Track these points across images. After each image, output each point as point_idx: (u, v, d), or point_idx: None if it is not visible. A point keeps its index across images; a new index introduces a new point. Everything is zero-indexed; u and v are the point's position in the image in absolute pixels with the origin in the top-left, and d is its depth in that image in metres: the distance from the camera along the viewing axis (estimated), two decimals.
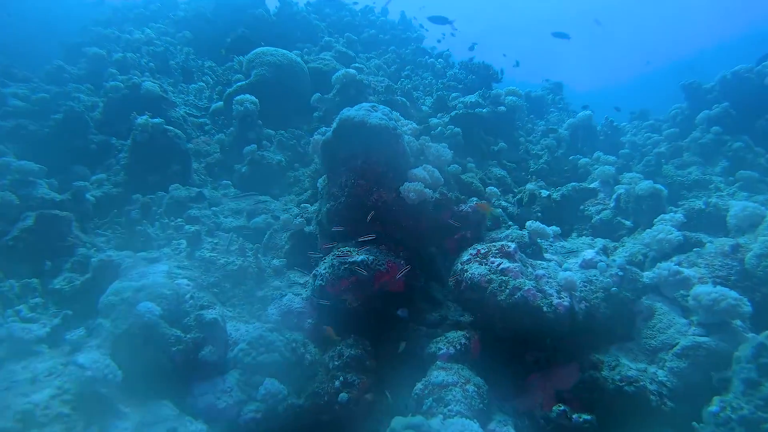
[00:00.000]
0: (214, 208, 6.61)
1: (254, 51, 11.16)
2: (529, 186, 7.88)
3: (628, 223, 7.02)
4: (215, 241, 5.33)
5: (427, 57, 16.74)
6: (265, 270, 5.36)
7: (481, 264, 4.30)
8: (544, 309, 3.91)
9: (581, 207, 7.45)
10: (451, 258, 4.77)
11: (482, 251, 4.41)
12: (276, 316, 4.76)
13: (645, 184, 6.59)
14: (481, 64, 14.48)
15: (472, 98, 10.29)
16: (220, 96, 13.10)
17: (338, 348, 4.33)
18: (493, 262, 4.25)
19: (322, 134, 5.96)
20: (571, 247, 6.21)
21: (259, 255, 5.38)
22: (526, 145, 10.29)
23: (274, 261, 5.42)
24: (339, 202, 4.90)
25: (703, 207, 6.38)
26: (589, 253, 5.56)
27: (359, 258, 4.45)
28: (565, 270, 4.41)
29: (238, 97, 9.30)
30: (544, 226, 5.40)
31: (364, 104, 5.04)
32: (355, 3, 21.55)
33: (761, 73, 11.13)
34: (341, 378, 4.11)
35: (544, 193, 7.61)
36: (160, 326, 3.80)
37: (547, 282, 4.08)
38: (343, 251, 4.58)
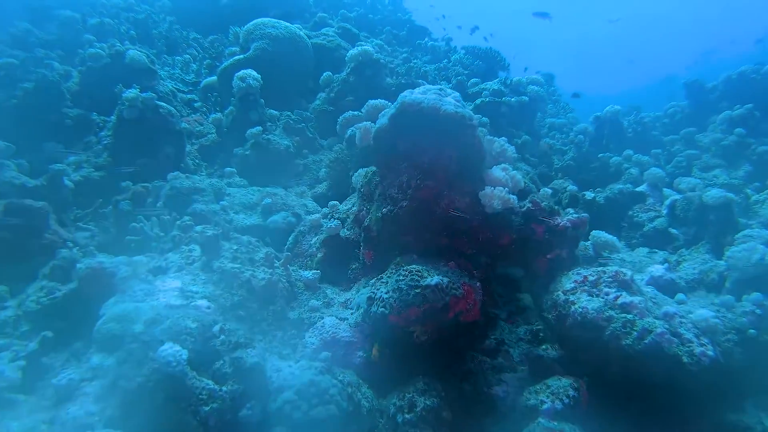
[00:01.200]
0: (222, 202, 5.51)
1: (254, 22, 9.93)
2: (570, 187, 7.01)
3: (680, 233, 6.25)
4: (235, 248, 4.27)
5: (427, 40, 15.62)
6: (295, 284, 4.33)
7: (591, 295, 3.38)
8: (684, 359, 3.04)
9: (629, 213, 6.62)
10: (540, 282, 3.85)
11: (590, 278, 3.50)
12: (317, 345, 3.76)
13: (715, 193, 5.77)
14: (488, 49, 13.56)
15: (494, 85, 9.35)
16: (210, 70, 11.84)
17: (407, 395, 3.36)
18: (608, 294, 3.35)
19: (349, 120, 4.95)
20: (632, 261, 5.37)
21: (288, 266, 4.34)
22: (548, 141, 9.43)
23: (306, 273, 4.39)
24: (400, 207, 3.90)
25: None
26: (657, 270, 4.73)
27: (433, 281, 3.48)
28: (694, 307, 3.54)
29: (239, 73, 8.12)
30: (613, 237, 4.53)
31: (429, 87, 4.03)
32: None
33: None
34: None
35: (589, 195, 6.75)
36: (187, 377, 2.76)
37: (681, 323, 3.20)
38: (410, 269, 3.59)
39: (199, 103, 10.35)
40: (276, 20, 10.03)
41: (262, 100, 8.37)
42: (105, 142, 7.65)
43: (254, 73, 8.21)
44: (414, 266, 3.63)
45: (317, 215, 4.96)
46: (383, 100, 5.73)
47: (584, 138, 8.93)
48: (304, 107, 9.67)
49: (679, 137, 10.39)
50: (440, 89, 4.02)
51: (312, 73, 10.06)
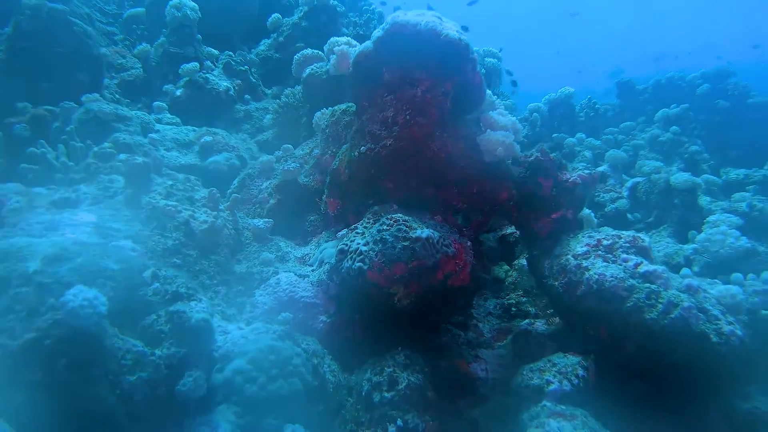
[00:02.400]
0: (151, 135, 4.52)
1: None
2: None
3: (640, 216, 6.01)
4: (169, 183, 3.39)
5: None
6: (242, 233, 3.52)
7: (607, 261, 2.85)
8: (713, 338, 2.58)
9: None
10: (540, 245, 3.27)
11: (605, 242, 2.96)
12: (270, 306, 3.01)
13: (683, 177, 5.53)
14: None
15: None
16: (135, 2, 10.41)
17: (387, 370, 2.69)
18: (626, 261, 2.83)
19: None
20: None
21: (235, 211, 3.52)
22: None
23: (255, 221, 3.58)
24: (383, 146, 3.18)
25: (747, 210, 5.46)
26: None
27: (424, 233, 2.81)
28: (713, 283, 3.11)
29: (174, 1, 6.99)
30: (590, 212, 4.10)
31: (424, 11, 3.32)
32: None
33: (693, 84, 10.88)
34: (399, 422, 2.51)
35: None
36: (106, 335, 1.93)
37: (706, 298, 2.75)
38: (395, 218, 2.91)
39: (120, 36, 9.00)
40: None
41: (200, 36, 7.29)
42: None
43: (192, 2, 7.11)
44: (397, 216, 2.94)
45: (270, 156, 4.13)
46: (349, 38, 4.95)
47: (538, 117, 8.58)
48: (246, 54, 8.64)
49: (618, 130, 10.36)
50: (436, 14, 3.32)
51: (256, 17, 9.00)
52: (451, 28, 3.13)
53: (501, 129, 3.23)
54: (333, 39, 4.88)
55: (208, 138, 4.58)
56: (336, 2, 7.59)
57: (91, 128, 4.35)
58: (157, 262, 2.80)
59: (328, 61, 5.11)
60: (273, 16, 7.75)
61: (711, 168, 8.90)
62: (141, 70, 7.51)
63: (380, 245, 2.81)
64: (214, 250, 3.21)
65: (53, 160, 4.03)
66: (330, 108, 4.21)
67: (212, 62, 7.02)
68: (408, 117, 3.15)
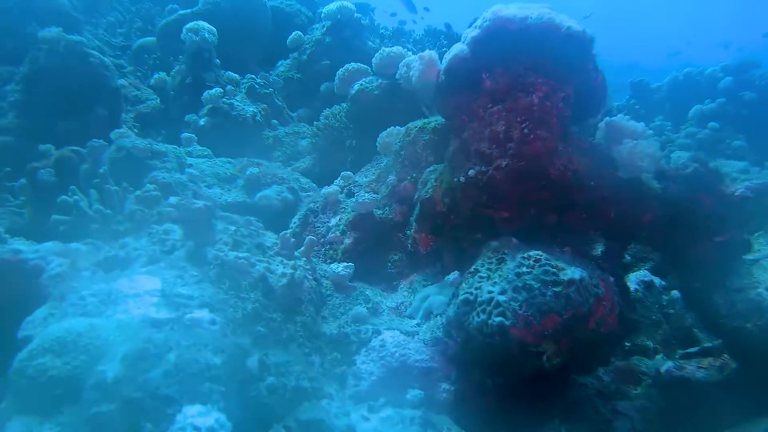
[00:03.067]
0: (189, 171, 3.93)
1: None
2: None
3: None
4: (232, 229, 2.79)
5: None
6: (322, 283, 2.91)
7: None
8: None
9: None
10: (702, 275, 2.67)
11: None
12: (378, 376, 2.40)
13: None
14: (449, 31, 12.56)
15: None
16: (143, 33, 9.89)
17: None
18: None
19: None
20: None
21: (312, 257, 2.92)
22: None
23: (334, 267, 2.98)
24: (497, 168, 2.59)
25: None
26: None
27: (576, 274, 2.22)
28: None
29: (190, 24, 6.46)
30: None
31: (524, 2, 2.76)
32: None
33: (713, 78, 10.38)
34: None
35: None
36: None
37: None
38: (534, 257, 2.31)
39: (130, 68, 8.45)
40: None
41: (218, 60, 6.75)
42: (12, 98, 5.72)
43: (208, 25, 6.58)
44: (535, 253, 2.34)
45: (334, 187, 3.53)
46: (401, 48, 4.40)
47: None
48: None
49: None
50: (545, 5, 2.76)
51: (270, 37, 8.48)
52: (569, 20, 2.57)
53: (631, 136, 2.64)
54: (388, 50, 4.33)
55: (254, 170, 3.99)
56: (360, 15, 7.06)
57: (125, 168, 3.76)
58: (236, 332, 2.20)
59: (377, 74, 4.56)
60: (294, 34, 7.21)
61: (756, 163, 8.39)
62: (158, 101, 6.97)
63: (524, 293, 2.20)
64: (297, 308, 2.60)
65: (87, 209, 3.44)
66: (396, 127, 3.64)
67: (234, 87, 6.46)
68: (525, 130, 2.56)
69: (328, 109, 5.27)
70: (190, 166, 4.18)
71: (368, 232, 3.29)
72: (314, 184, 4.58)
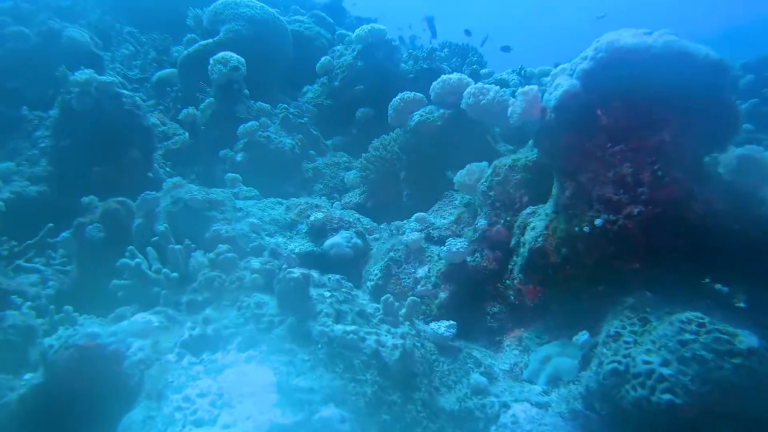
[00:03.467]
0: (251, 221, 3.65)
1: (221, 1, 7.97)
2: None
3: None
4: (327, 295, 2.50)
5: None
6: (426, 347, 2.62)
7: None
8: None
9: None
10: None
11: None
12: None
13: None
14: (465, 45, 12.37)
15: (508, 76, 7.99)
16: (159, 65, 9.70)
17: None
18: None
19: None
20: None
21: (414, 319, 2.63)
22: None
23: (435, 327, 2.68)
24: (628, 216, 2.31)
25: None
26: None
27: (753, 340, 1.92)
28: None
29: (218, 55, 6.21)
30: None
31: (632, 29, 2.49)
32: None
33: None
34: None
35: None
36: None
37: None
38: (696, 320, 2.01)
39: (151, 101, 8.22)
40: None
41: (247, 90, 6.49)
42: (43, 144, 5.52)
43: (237, 55, 6.34)
44: (694, 315, 2.05)
45: (415, 235, 3.24)
46: (461, 75, 4.14)
47: None
48: (287, 103, 7.86)
49: None
50: (646, 31, 2.49)
51: (292, 62, 8.25)
52: (702, 47, 2.29)
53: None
54: (447, 77, 4.07)
55: (318, 216, 3.70)
56: (391, 36, 6.81)
57: (183, 221, 3.48)
58: (369, 428, 1.91)
59: (435, 103, 4.30)
60: (323, 59, 6.98)
61: None
62: (186, 135, 6.71)
63: (695, 366, 1.91)
64: (413, 383, 2.31)
65: (149, 272, 3.16)
66: (477, 163, 3.36)
67: (267, 118, 6.20)
68: (658, 173, 2.28)
69: (376, 140, 5.00)
70: (248, 213, 3.90)
71: (463, 283, 3.00)
72: (374, 223, 4.30)
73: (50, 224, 4.23)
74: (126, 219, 3.93)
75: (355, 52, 6.73)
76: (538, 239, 2.66)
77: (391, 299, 2.50)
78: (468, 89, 3.85)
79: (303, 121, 6.16)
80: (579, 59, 2.53)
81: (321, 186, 5.67)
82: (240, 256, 2.86)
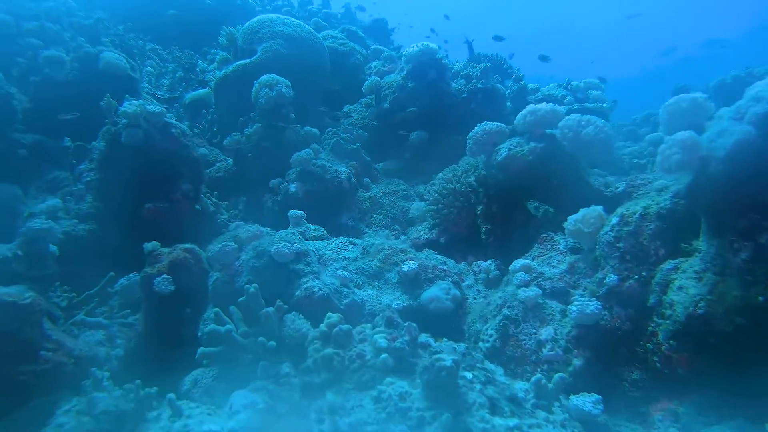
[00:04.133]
0: (341, 273, 3.34)
1: (257, 19, 7.70)
2: None
3: None
4: (469, 377, 2.18)
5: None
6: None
7: None
8: None
9: None
10: None
11: None
12: None
13: None
14: (495, 56, 12.10)
15: (554, 90, 7.69)
16: (187, 83, 9.46)
17: None
18: None
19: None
20: None
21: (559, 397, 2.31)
22: None
23: (579, 403, 2.36)
24: None
25: None
26: None
27: None
28: None
29: (264, 78, 5.93)
30: None
31: None
32: None
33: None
34: None
35: None
36: None
37: None
38: None
39: (184, 124, 7.95)
40: (285, 17, 7.86)
41: (293, 115, 6.20)
42: (88, 178, 5.23)
43: (282, 78, 6.05)
44: None
45: (533, 290, 2.92)
46: (552, 105, 3.84)
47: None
48: (329, 124, 7.57)
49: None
50: None
51: (329, 80, 7.97)
52: None
53: None
54: (536, 107, 3.77)
55: (412, 266, 3.37)
56: (441, 54, 6.51)
57: (268, 277, 3.18)
58: None
59: (520, 134, 4.00)
60: (371, 80, 6.68)
61: None
62: (228, 161, 6.44)
63: None
64: None
65: (239, 337, 2.87)
66: (593, 210, 3.05)
67: (318, 144, 5.91)
68: None
69: (447, 170, 4.70)
70: (329, 259, 3.60)
71: (596, 347, 2.68)
72: (459, 265, 3.99)
73: (111, 273, 3.93)
74: (195, 268, 3.63)
75: (405, 72, 6.43)
76: (700, 304, 2.34)
77: (543, 381, 2.19)
78: (565, 121, 3.55)
79: (355, 147, 5.85)
80: (749, 101, 2.22)
81: (380, 217, 5.37)
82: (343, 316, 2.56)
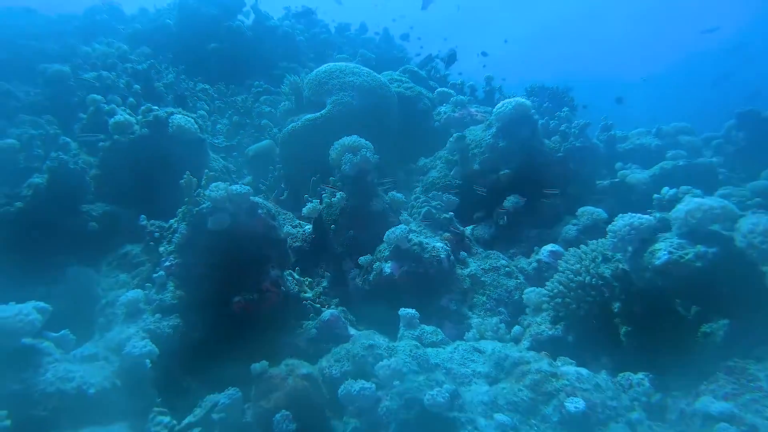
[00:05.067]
0: (500, 415, 2.83)
1: (324, 70, 7.30)
2: None
3: None
4: None
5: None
6: None
7: None
8: None
9: None
10: None
11: None
12: None
13: None
14: (555, 88, 11.56)
15: (645, 138, 7.11)
16: (243, 129, 9.14)
17: None
18: None
19: None
20: None
21: None
22: None
23: None
24: None
25: None
26: None
27: None
28: None
29: (347, 141, 5.49)
30: None
31: None
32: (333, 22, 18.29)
33: None
34: None
35: None
36: None
37: None
38: None
39: (247, 179, 7.59)
40: (353, 65, 7.46)
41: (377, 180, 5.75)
42: (168, 263, 4.82)
43: (363, 140, 5.61)
44: None
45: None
46: (727, 203, 3.28)
47: None
48: (402, 179, 7.12)
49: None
50: None
51: (399, 132, 7.52)
52: None
53: None
54: (716, 206, 3.21)
55: (578, 404, 2.83)
56: (533, 109, 5.99)
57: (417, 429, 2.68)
58: None
59: (685, 234, 3.44)
60: (456, 135, 6.19)
61: None
62: (307, 229, 6.00)
63: None
64: None
65: None
66: None
67: (408, 214, 5.44)
68: None
69: (569, 257, 4.16)
70: (467, 380, 3.09)
71: None
72: (610, 383, 3.44)
73: (220, 399, 3.47)
74: (316, 399, 3.16)
75: (494, 129, 5.93)
76: None
77: None
78: (751, 225, 2.99)
79: (448, 216, 5.36)
80: None
81: (483, 298, 4.85)
82: None
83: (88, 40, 13.02)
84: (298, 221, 6.14)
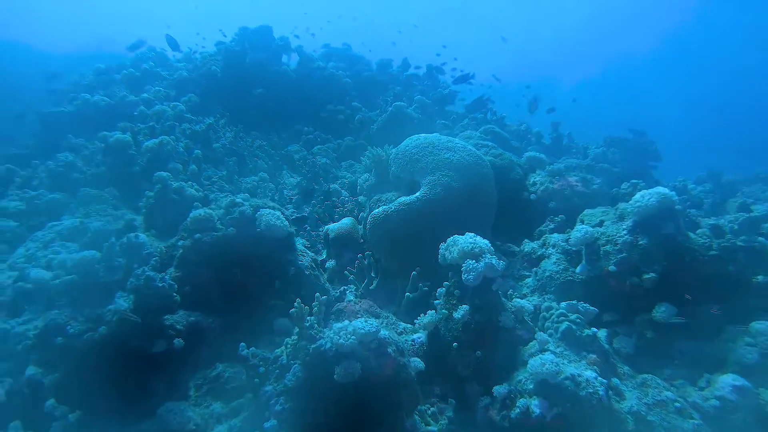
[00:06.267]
0: None
1: (414, 144, 6.57)
2: None
3: None
4: None
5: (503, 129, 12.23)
6: None
7: None
8: None
9: None
10: None
11: None
12: None
13: None
14: (635, 140, 10.80)
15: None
16: (308, 195, 8.49)
17: None
18: None
19: None
20: None
21: None
22: None
23: None
24: None
25: None
26: None
27: None
28: None
29: (462, 245, 4.70)
30: None
31: None
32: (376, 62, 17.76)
33: None
34: None
35: None
36: None
37: None
38: None
39: (330, 263, 6.85)
40: (447, 138, 6.72)
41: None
42: (278, 408, 4.09)
43: (482, 241, 4.83)
44: None
45: None
46: None
47: None
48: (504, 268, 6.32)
49: None
50: None
51: (496, 210, 6.74)
52: None
53: None
54: None
55: None
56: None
57: None
58: None
59: None
60: (582, 230, 5.36)
61: None
62: (421, 338, 5.21)
63: None
64: None
65: None
66: None
67: (544, 335, 4.63)
68: None
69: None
70: None
71: None
72: None
73: None
74: None
75: (630, 223, 5.10)
76: None
77: None
78: None
79: (591, 333, 4.54)
80: None
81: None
82: None
83: (133, 88, 12.66)
84: (402, 325, 5.37)
